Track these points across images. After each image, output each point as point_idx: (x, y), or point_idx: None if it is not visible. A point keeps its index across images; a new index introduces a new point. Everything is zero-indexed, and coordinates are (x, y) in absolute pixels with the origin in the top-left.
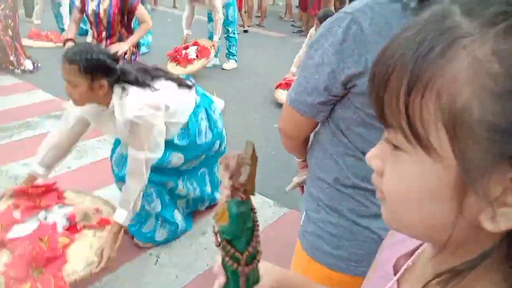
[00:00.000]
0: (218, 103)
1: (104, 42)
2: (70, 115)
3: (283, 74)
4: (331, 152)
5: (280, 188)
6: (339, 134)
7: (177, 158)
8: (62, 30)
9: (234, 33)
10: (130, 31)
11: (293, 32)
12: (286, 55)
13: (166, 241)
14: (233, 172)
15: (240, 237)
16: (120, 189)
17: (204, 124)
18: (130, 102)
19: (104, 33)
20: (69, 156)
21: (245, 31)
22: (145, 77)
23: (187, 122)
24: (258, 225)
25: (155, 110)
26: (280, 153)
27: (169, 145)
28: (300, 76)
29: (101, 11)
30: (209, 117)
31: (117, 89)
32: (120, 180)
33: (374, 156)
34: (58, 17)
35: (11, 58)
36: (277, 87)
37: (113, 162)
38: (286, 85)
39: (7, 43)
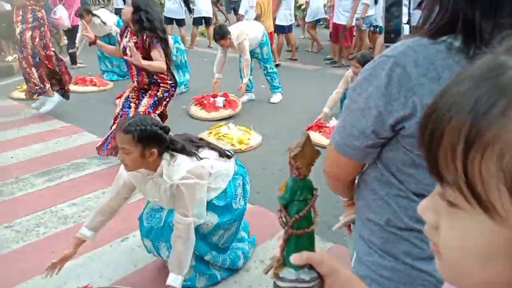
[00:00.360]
0: (256, 138)
1: (135, 78)
2: (120, 178)
3: (320, 106)
4: (381, 194)
5: (325, 222)
6: (388, 176)
7: (211, 218)
8: (103, 72)
9: (272, 68)
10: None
11: (326, 64)
12: (322, 87)
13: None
14: (290, 152)
15: (292, 205)
16: (146, 247)
17: (239, 191)
18: (178, 168)
19: (133, 69)
20: None
21: (277, 65)
22: (190, 146)
23: (226, 186)
24: (313, 201)
25: (200, 179)
26: (323, 188)
27: (207, 204)
28: (344, 119)
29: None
30: (244, 186)
31: (166, 156)
32: (147, 234)
33: (427, 209)
34: (102, 58)
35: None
36: (308, 129)
37: (144, 217)
38: (318, 127)
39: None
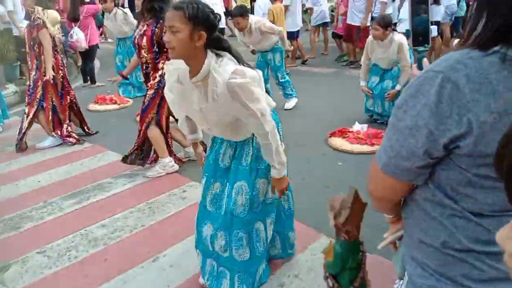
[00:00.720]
0: None
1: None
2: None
3: (340, 109)
4: (434, 215)
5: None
6: (441, 196)
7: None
8: (120, 86)
9: (284, 77)
10: (156, 58)
11: (342, 66)
12: (340, 89)
13: None
14: (336, 213)
15: (343, 274)
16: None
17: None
18: (225, 69)
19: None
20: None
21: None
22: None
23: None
24: (364, 266)
25: (253, 81)
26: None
27: None
28: (391, 138)
29: (137, 37)
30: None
31: (210, 53)
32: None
33: (508, 238)
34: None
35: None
36: (331, 135)
37: (208, 203)
38: (341, 133)
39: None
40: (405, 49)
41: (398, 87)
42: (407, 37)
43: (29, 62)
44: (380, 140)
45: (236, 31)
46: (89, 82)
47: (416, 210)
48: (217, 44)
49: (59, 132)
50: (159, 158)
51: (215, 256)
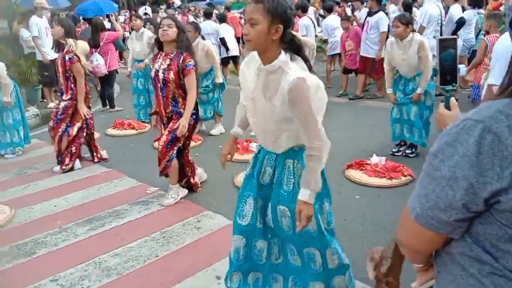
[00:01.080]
0: None
1: (161, 102)
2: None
3: (357, 140)
4: (472, 271)
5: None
6: (479, 251)
7: None
8: (135, 105)
9: None
10: (185, 91)
11: (350, 99)
12: (356, 120)
13: None
14: (376, 264)
15: None
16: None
17: None
18: (299, 70)
19: (160, 93)
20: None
21: None
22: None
23: None
24: None
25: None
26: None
27: None
28: (426, 187)
29: (160, 72)
30: None
31: (284, 53)
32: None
33: None
34: (137, 92)
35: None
36: (348, 167)
37: (258, 221)
38: (358, 165)
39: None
40: (426, 48)
41: (419, 90)
42: (434, 76)
43: (63, 88)
44: (399, 174)
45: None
46: (108, 107)
47: (450, 263)
48: (291, 44)
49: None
50: (170, 185)
51: (267, 266)
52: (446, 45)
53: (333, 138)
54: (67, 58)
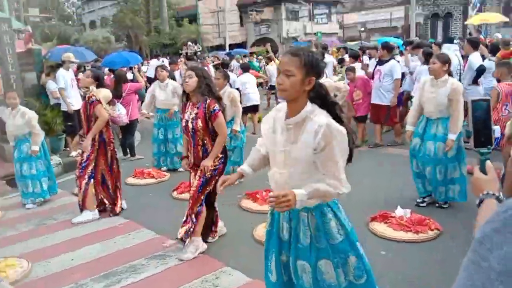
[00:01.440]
0: None
1: (192, 150)
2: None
3: (379, 190)
4: None
5: None
6: None
7: None
8: (154, 154)
9: None
10: (213, 139)
11: (370, 148)
12: (378, 169)
13: None
14: None
15: None
16: None
17: None
18: (323, 115)
19: (192, 140)
20: None
21: None
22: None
23: None
24: None
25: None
26: None
27: None
28: (472, 278)
29: (189, 122)
30: None
31: (309, 104)
32: None
33: None
34: (157, 141)
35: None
36: (372, 220)
37: (284, 276)
38: (383, 218)
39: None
40: (459, 93)
41: (452, 136)
42: (468, 138)
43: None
44: (425, 227)
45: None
46: (128, 155)
47: None
48: (320, 93)
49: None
50: (192, 237)
51: None
52: (479, 106)
53: (354, 188)
54: (89, 101)
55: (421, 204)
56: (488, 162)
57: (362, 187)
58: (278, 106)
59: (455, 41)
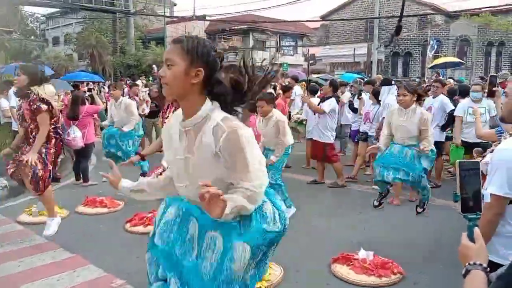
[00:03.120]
0: (275, 271)
1: None
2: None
3: (342, 229)
4: None
5: None
6: None
7: None
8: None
9: (276, 181)
10: None
11: (329, 187)
12: (342, 206)
13: None
14: None
15: None
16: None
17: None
18: (221, 113)
19: None
20: None
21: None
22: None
23: None
24: None
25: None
26: None
27: None
28: None
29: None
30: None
31: (208, 101)
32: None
33: None
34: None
35: None
36: (334, 261)
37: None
38: (345, 260)
39: None
40: (429, 122)
41: (422, 146)
42: (455, 202)
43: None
44: (388, 271)
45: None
46: (81, 181)
47: None
48: (217, 88)
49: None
50: None
51: None
52: (468, 168)
53: (320, 225)
54: (33, 108)
55: (378, 207)
56: (476, 229)
57: (329, 225)
58: (177, 112)
59: (392, 82)
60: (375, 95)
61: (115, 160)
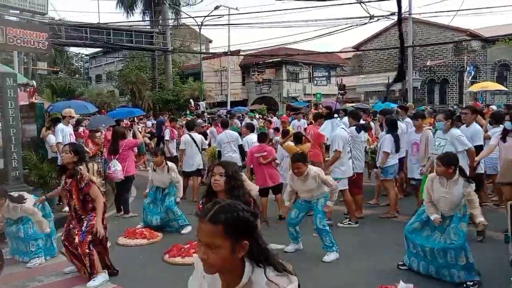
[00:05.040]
0: None
1: None
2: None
3: (383, 265)
4: None
5: None
6: None
7: None
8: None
9: (323, 225)
10: None
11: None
12: (375, 241)
13: None
14: None
15: None
16: None
17: None
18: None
19: None
20: None
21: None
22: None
23: None
24: None
25: None
26: None
27: None
28: None
29: None
30: None
31: (248, 265)
32: None
33: None
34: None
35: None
36: None
37: None
38: None
39: None
40: (472, 189)
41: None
42: (506, 243)
43: (78, 212)
44: None
45: (289, 176)
46: (122, 212)
47: None
48: (256, 248)
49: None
50: None
51: None
52: None
53: (356, 258)
54: (82, 185)
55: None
56: None
57: (365, 257)
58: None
59: (335, 115)
60: (387, 124)
61: None
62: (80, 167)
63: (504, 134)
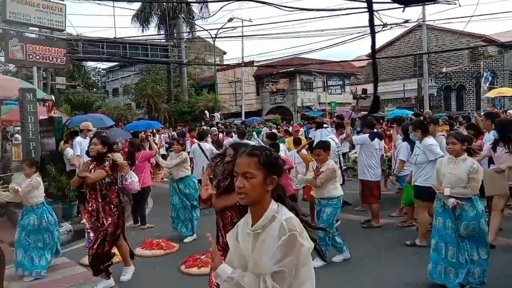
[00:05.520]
0: None
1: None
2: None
3: (399, 274)
4: None
5: None
6: None
7: None
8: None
9: (324, 234)
10: None
11: (363, 227)
12: (389, 246)
13: None
14: None
15: None
16: None
17: None
18: (288, 214)
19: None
20: None
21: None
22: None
23: None
24: None
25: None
26: None
27: None
28: None
29: None
30: None
31: (273, 202)
32: None
33: None
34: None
35: None
36: None
37: None
38: None
39: None
40: (480, 172)
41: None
42: None
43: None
44: None
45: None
46: (139, 224)
47: None
48: (280, 192)
49: None
50: None
51: None
52: None
53: (372, 266)
54: (101, 163)
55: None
56: None
57: (380, 265)
58: (242, 220)
59: (325, 125)
60: (406, 132)
61: None
62: (110, 154)
63: (495, 144)
